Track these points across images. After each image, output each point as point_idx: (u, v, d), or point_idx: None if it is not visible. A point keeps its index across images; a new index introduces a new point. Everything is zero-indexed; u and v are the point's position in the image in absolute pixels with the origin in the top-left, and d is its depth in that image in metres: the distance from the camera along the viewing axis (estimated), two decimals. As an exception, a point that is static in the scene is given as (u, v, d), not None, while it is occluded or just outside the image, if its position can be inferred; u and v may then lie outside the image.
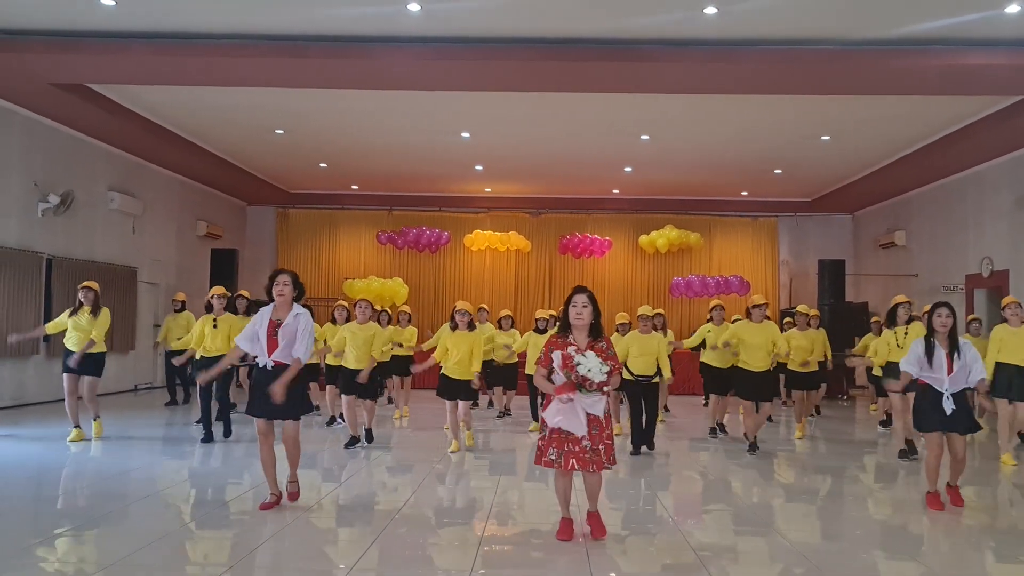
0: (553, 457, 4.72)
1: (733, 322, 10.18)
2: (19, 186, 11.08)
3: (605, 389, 4.66)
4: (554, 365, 4.71)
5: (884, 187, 15.33)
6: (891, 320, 8.41)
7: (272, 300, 5.46)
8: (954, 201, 14.00)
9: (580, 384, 4.61)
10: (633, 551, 4.77)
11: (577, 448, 4.68)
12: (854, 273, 17.10)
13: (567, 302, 4.87)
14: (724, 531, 5.39)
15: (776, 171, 15.07)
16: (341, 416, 9.47)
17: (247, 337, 5.47)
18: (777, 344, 8.35)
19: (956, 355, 5.84)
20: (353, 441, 8.30)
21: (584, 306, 4.78)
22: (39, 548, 4.60)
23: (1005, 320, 8.29)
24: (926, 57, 8.78)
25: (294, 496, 5.62)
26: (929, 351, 5.89)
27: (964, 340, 6.00)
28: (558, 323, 5.11)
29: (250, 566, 4.37)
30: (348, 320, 8.86)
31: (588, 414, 4.65)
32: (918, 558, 4.80)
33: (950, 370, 5.81)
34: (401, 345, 10.57)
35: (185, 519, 5.39)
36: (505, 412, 11.36)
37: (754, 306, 8.57)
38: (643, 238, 17.54)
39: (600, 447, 4.73)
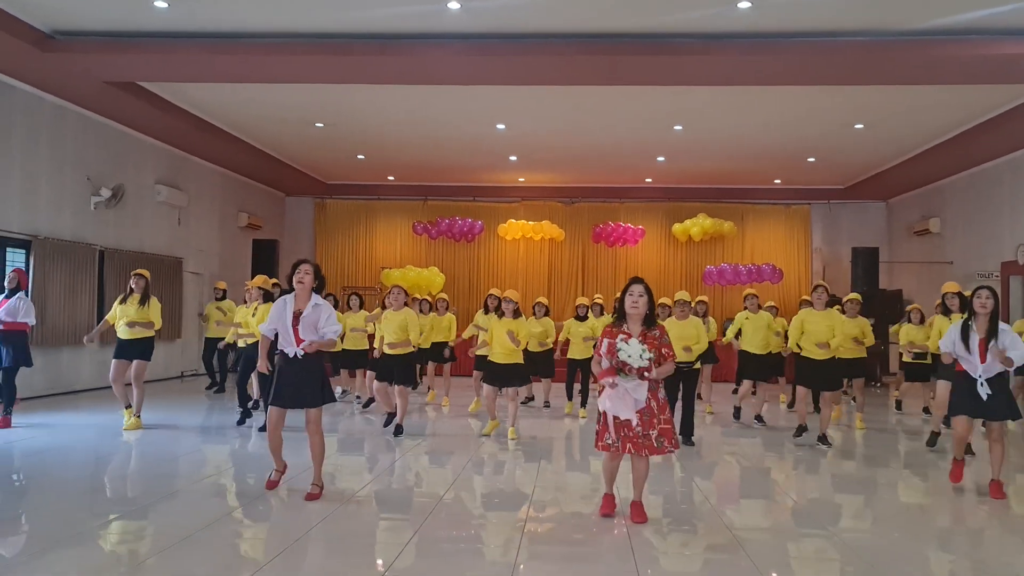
0: (610, 441, 4.99)
1: (768, 308, 10.40)
2: (73, 180, 11.52)
3: (645, 375, 4.87)
4: (601, 352, 4.96)
5: (918, 174, 15.29)
6: (946, 309, 8.37)
7: (292, 289, 5.62)
8: (989, 188, 13.97)
9: (620, 369, 4.84)
10: (673, 535, 5.00)
11: (632, 434, 4.94)
12: (888, 260, 17.09)
13: (623, 291, 5.11)
14: (762, 516, 5.61)
15: (809, 159, 15.11)
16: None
17: (268, 326, 5.67)
18: (836, 332, 8.23)
19: (994, 341, 5.83)
20: (391, 418, 8.63)
21: (640, 296, 5.02)
22: (94, 531, 4.84)
23: None
24: (960, 47, 8.83)
25: (314, 496, 5.55)
26: (965, 335, 5.93)
27: (1004, 326, 5.96)
28: (614, 311, 5.29)
29: (303, 550, 4.61)
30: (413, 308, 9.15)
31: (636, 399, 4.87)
32: (958, 546, 4.98)
33: (983, 356, 5.86)
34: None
35: (231, 506, 5.50)
36: (542, 402, 11.36)
37: (814, 288, 8.53)
38: (677, 226, 17.64)
39: (652, 432, 4.94)
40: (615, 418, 4.95)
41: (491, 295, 10.29)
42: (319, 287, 5.66)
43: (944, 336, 6.15)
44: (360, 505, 5.53)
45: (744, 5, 8.20)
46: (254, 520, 5.18)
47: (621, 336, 4.97)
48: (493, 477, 6.69)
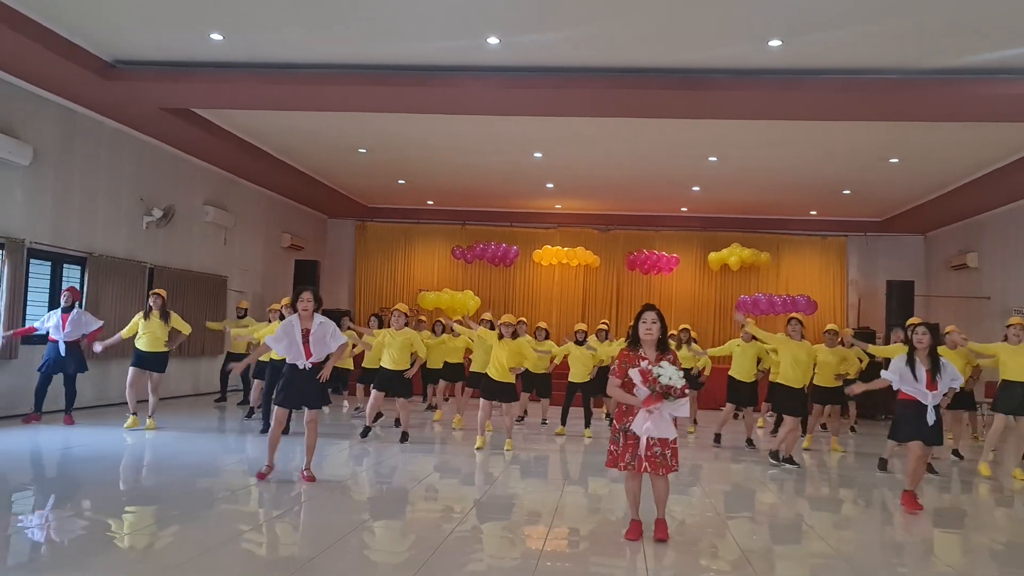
0: (629, 460, 5.20)
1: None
2: (128, 201, 12.07)
3: (686, 392, 5.13)
4: (635, 382, 5.12)
5: (957, 208, 15.26)
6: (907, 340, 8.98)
7: (295, 311, 6.64)
8: (1028, 224, 13.91)
9: (667, 393, 5.03)
10: (677, 550, 5.17)
11: (649, 453, 5.15)
12: (924, 294, 17.01)
13: (637, 319, 5.36)
14: (754, 537, 5.75)
15: (845, 192, 15.18)
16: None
17: (275, 339, 6.61)
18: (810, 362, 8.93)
19: (938, 374, 6.38)
20: (366, 431, 9.44)
21: (653, 322, 5.28)
22: (118, 527, 5.25)
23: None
24: (991, 85, 8.94)
25: (311, 479, 6.63)
26: (911, 365, 6.43)
27: (943, 360, 6.52)
28: (628, 337, 5.55)
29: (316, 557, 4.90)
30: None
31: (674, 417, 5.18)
32: (935, 562, 5.09)
33: (931, 386, 6.36)
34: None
35: (249, 509, 5.92)
36: (540, 420, 11.88)
37: (788, 321, 8.99)
38: (713, 255, 17.73)
39: (667, 452, 5.20)
40: (630, 437, 5.17)
41: (484, 320, 10.82)
42: (317, 307, 6.66)
43: (891, 366, 6.60)
44: (368, 521, 5.75)
45: (775, 43, 8.42)
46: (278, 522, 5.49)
47: (647, 362, 5.18)
48: (500, 492, 6.86)
